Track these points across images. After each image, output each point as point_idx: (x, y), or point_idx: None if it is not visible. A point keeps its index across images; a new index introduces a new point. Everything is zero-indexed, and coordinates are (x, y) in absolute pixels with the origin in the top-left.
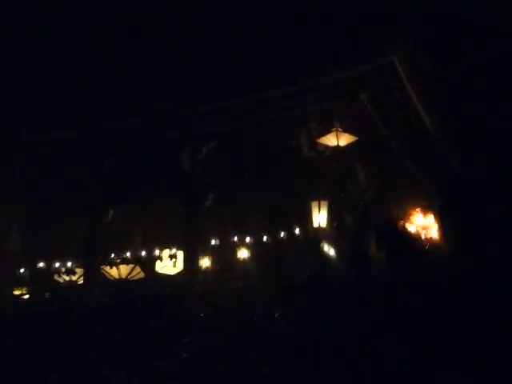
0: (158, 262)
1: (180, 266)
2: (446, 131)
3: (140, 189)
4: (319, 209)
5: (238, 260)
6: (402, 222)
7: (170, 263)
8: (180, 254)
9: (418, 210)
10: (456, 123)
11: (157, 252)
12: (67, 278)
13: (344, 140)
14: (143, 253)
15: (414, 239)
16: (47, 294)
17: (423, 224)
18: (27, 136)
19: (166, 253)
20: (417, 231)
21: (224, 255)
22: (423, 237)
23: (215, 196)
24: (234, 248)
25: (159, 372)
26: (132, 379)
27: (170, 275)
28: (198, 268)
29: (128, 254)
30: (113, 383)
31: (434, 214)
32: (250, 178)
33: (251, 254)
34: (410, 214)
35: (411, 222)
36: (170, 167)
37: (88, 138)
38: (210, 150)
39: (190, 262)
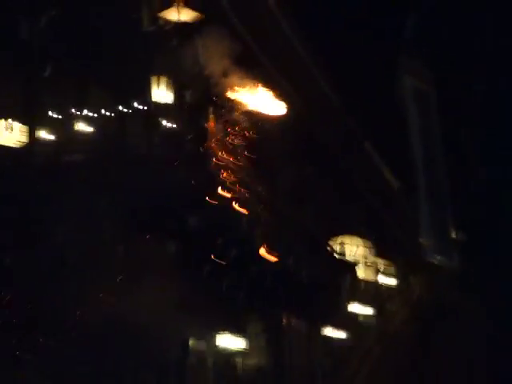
0: None
1: (17, 137)
2: None
3: None
4: (159, 84)
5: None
6: None
7: (6, 134)
8: (17, 125)
9: None
10: None
11: None
12: None
13: (186, 15)
14: None
15: None
16: None
17: None
18: None
19: (2, 123)
20: None
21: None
22: None
23: (55, 67)
24: (73, 120)
25: None
26: None
27: (5, 146)
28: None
29: None
30: None
31: None
32: None
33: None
34: None
35: None
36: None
37: None
38: (49, 20)
39: (28, 133)
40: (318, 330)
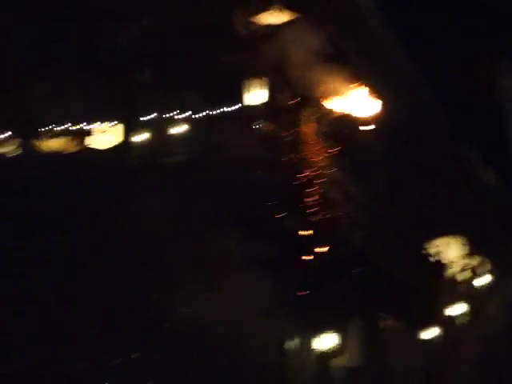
0: (89, 137)
1: (113, 140)
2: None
3: (74, 61)
4: (254, 87)
5: (174, 135)
6: None
7: (102, 138)
8: (113, 129)
9: None
10: None
11: (89, 126)
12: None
13: (279, 18)
14: (76, 127)
15: None
16: None
17: None
18: None
19: (99, 127)
20: None
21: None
22: None
23: (150, 71)
24: (168, 123)
25: None
26: None
27: (102, 150)
28: (131, 143)
29: (61, 127)
30: None
31: None
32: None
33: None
34: None
35: None
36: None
37: None
38: (142, 24)
39: (124, 136)
40: (416, 331)
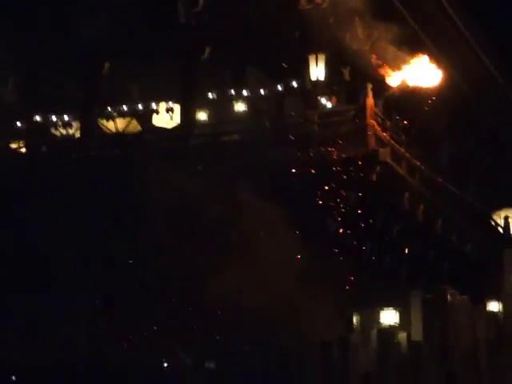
0: (154, 116)
1: (177, 119)
2: None
3: (137, 41)
4: (317, 62)
5: (234, 113)
6: None
7: (166, 116)
8: (177, 108)
9: None
10: None
11: (153, 105)
12: (64, 132)
13: None
14: (140, 106)
15: None
16: (44, 147)
17: None
18: None
19: (163, 106)
20: None
21: (221, 108)
22: None
23: (212, 49)
24: (231, 101)
25: None
26: None
27: (166, 128)
28: (195, 122)
29: (125, 107)
30: None
31: None
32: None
33: (248, 107)
34: None
35: None
36: (166, 20)
37: None
38: (205, 3)
39: (187, 115)
40: (483, 307)
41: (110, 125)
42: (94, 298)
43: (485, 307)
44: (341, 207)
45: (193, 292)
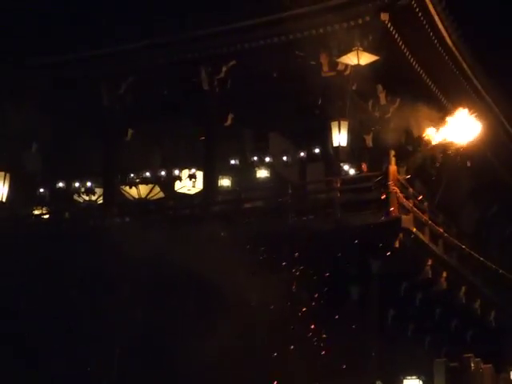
0: (177, 182)
1: (199, 185)
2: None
3: (159, 109)
4: (339, 129)
5: (257, 180)
6: None
7: (189, 183)
8: (199, 174)
9: None
10: None
11: (176, 172)
12: (87, 198)
13: (364, 59)
14: (162, 173)
15: None
16: (67, 213)
17: None
18: (47, 58)
19: (186, 173)
20: None
21: (244, 175)
22: None
23: (234, 115)
24: (253, 168)
25: None
26: None
27: (189, 195)
28: (218, 188)
29: (147, 174)
30: None
31: None
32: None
33: (271, 173)
34: None
35: None
36: (188, 88)
37: (103, 60)
38: (229, 70)
39: (210, 181)
40: (507, 376)
41: (132, 191)
42: None
43: (509, 376)
44: (363, 275)
45: None
